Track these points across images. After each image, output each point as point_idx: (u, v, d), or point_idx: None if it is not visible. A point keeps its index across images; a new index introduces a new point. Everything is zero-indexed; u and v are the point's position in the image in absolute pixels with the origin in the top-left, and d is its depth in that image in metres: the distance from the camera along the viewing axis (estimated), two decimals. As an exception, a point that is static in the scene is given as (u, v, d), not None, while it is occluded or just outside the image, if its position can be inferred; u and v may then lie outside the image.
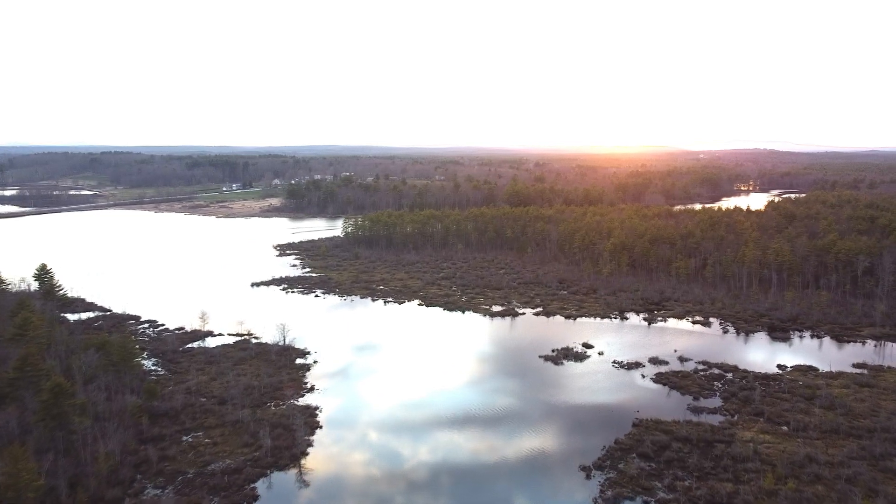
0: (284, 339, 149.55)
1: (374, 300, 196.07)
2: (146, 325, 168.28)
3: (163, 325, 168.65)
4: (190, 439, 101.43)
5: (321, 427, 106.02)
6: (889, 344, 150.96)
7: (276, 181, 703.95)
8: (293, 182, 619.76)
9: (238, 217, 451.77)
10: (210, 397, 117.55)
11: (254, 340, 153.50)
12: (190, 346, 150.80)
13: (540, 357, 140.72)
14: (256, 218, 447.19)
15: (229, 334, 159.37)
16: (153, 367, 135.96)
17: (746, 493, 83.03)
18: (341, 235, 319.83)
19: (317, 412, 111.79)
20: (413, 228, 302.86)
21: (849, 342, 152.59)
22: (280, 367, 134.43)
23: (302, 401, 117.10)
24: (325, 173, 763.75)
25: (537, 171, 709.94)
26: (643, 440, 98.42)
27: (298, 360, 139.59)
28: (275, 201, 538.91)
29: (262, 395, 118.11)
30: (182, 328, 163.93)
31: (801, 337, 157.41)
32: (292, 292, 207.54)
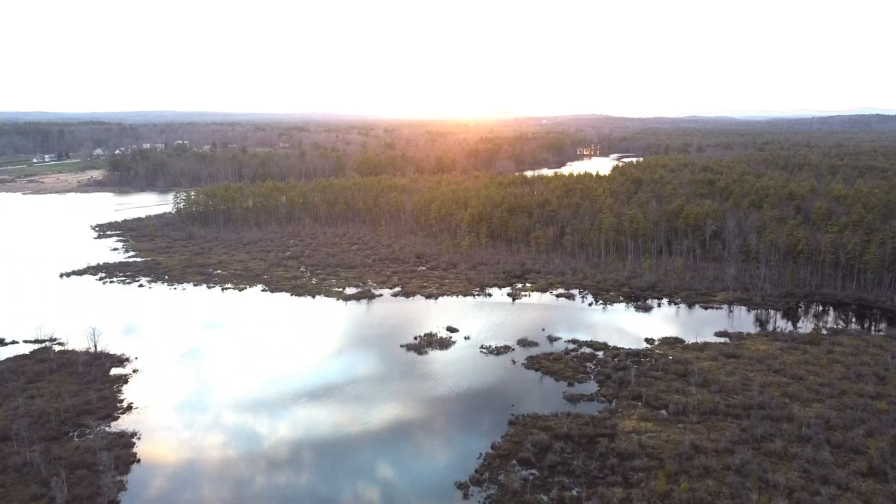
0: (96, 345, 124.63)
1: (210, 287, 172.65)
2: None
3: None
4: (-45, 496, 77.61)
5: (138, 461, 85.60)
6: (741, 308, 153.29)
7: (98, 151, 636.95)
8: (118, 152, 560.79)
9: (51, 193, 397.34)
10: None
11: (57, 348, 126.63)
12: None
13: (401, 346, 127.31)
14: (73, 194, 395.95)
15: (25, 342, 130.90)
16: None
17: (639, 497, 75.13)
18: (173, 212, 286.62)
19: (134, 440, 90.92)
20: (255, 202, 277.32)
21: (706, 308, 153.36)
22: (88, 381, 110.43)
23: (115, 426, 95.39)
24: (156, 142, 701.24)
25: (387, 138, 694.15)
26: (522, 442, 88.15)
27: (114, 370, 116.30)
28: (96, 174, 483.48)
29: (61, 423, 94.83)
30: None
31: (660, 305, 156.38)
32: (111, 282, 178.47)
